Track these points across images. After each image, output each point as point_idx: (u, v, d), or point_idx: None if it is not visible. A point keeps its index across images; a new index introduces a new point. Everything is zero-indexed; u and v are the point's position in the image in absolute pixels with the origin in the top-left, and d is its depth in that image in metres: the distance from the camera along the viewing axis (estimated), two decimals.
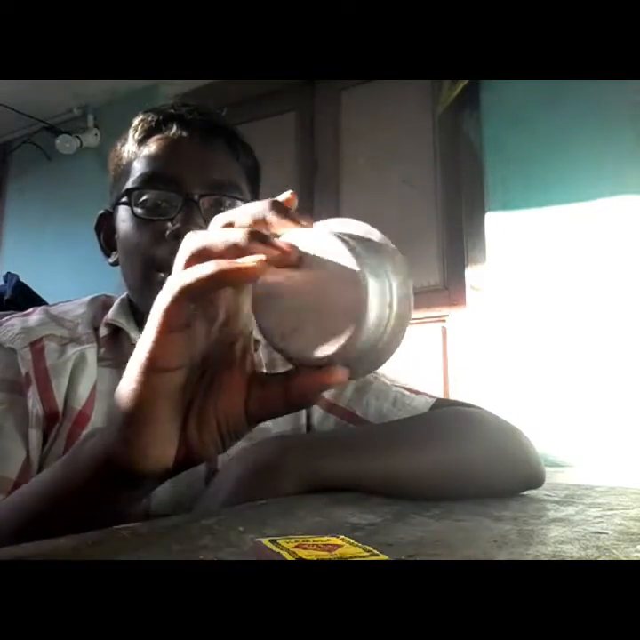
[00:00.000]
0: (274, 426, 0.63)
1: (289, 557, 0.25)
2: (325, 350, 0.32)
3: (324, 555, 0.26)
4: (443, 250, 2.18)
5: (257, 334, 0.39)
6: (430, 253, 2.19)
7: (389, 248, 0.35)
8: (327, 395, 0.66)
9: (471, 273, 2.06)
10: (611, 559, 0.31)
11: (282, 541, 0.27)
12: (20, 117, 3.01)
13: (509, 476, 0.57)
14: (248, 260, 0.32)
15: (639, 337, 1.73)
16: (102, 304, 0.70)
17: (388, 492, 0.49)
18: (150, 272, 0.63)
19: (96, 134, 2.95)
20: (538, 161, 1.95)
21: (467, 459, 0.55)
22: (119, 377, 0.64)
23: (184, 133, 0.66)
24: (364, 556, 0.26)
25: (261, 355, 0.67)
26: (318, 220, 0.36)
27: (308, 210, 2.38)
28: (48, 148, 3.06)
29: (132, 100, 2.71)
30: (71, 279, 2.64)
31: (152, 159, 0.65)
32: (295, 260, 0.33)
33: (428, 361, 2.07)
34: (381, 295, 0.33)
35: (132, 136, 0.68)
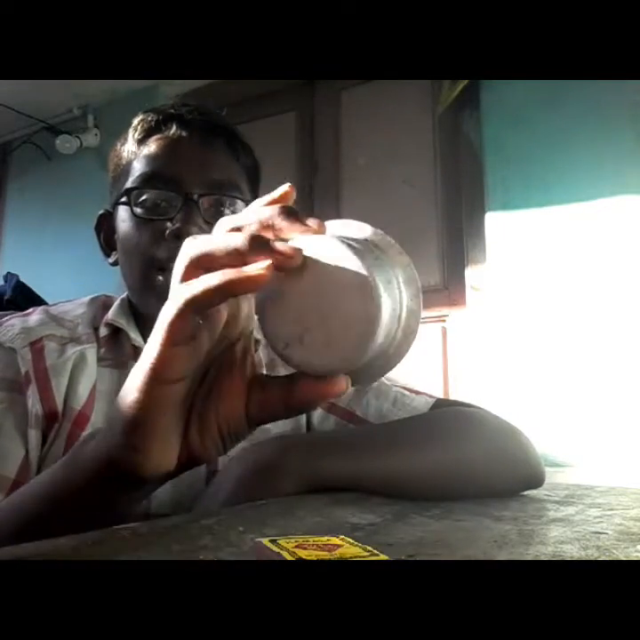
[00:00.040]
0: (274, 426, 0.63)
1: (289, 557, 0.25)
2: (332, 362, 0.32)
3: (323, 555, 0.26)
4: (443, 250, 2.18)
5: (257, 334, 0.38)
6: (430, 253, 2.19)
7: (402, 258, 0.34)
8: None
9: (471, 273, 2.06)
10: (611, 559, 0.31)
11: (282, 541, 0.27)
12: (20, 117, 3.01)
13: (509, 475, 0.57)
14: (255, 269, 0.31)
15: (639, 337, 1.73)
16: (102, 304, 0.70)
17: (387, 491, 0.49)
18: (150, 272, 0.63)
19: (96, 134, 2.95)
20: (538, 161, 1.95)
21: (467, 459, 0.55)
22: (119, 377, 0.65)
23: (184, 133, 0.66)
24: (363, 556, 0.26)
25: (261, 354, 0.67)
26: (319, 219, 0.35)
27: (307, 210, 2.39)
28: (48, 148, 3.06)
29: (132, 100, 2.71)
30: (71, 279, 2.64)
31: (152, 159, 0.65)
32: (298, 264, 0.32)
33: (428, 361, 2.07)
34: (392, 309, 0.32)
35: (132, 136, 0.68)
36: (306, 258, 0.32)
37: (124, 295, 0.70)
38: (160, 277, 0.62)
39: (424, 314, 0.35)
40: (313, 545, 0.27)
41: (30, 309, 0.68)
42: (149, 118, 0.67)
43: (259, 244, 0.31)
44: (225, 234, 0.33)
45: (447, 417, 0.62)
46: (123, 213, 0.66)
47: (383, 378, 0.68)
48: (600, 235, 1.83)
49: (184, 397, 0.35)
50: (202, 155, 0.66)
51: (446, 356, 2.09)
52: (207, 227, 0.63)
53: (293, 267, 0.32)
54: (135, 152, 0.67)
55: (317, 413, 0.68)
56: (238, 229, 0.33)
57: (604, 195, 1.83)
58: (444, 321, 2.12)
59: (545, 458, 0.64)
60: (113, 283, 0.79)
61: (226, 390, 0.36)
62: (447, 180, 2.21)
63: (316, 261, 0.32)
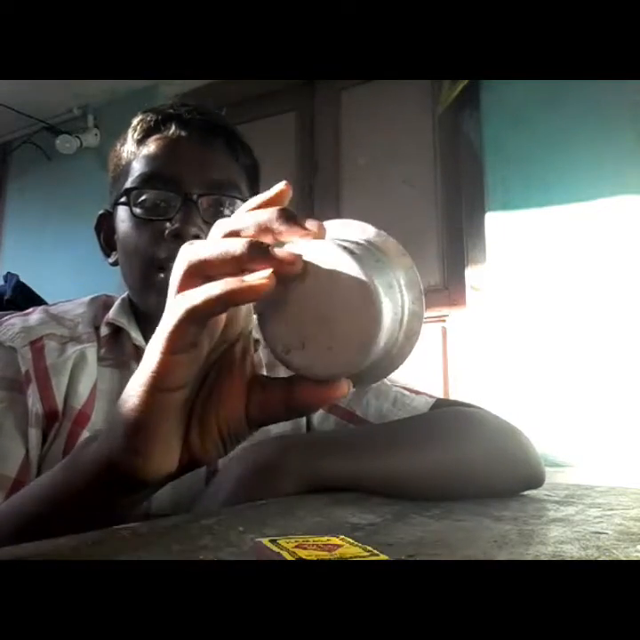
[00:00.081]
0: (274, 426, 0.63)
1: (289, 557, 0.25)
2: (333, 367, 0.32)
3: (324, 555, 0.26)
4: (443, 250, 2.18)
5: (256, 334, 0.38)
6: (430, 253, 2.19)
7: (404, 260, 0.34)
8: None
9: (471, 273, 2.06)
10: (611, 559, 0.31)
11: (282, 541, 0.27)
12: (20, 117, 3.01)
13: (509, 475, 0.57)
14: (257, 278, 0.30)
15: (639, 337, 1.73)
16: (103, 304, 0.70)
17: (387, 491, 0.49)
18: (150, 272, 0.63)
19: (96, 134, 2.95)
20: (538, 161, 1.95)
21: (467, 459, 0.55)
22: (120, 376, 0.65)
23: (183, 133, 0.66)
24: (363, 556, 0.26)
25: (261, 355, 0.67)
26: (319, 221, 0.35)
27: (307, 210, 2.39)
28: (48, 147, 3.06)
29: (132, 100, 2.71)
30: (71, 279, 2.64)
31: (151, 159, 0.65)
32: (299, 271, 0.31)
33: (428, 361, 2.07)
34: (394, 312, 0.32)
35: (132, 136, 0.68)
36: (306, 263, 0.31)
37: (125, 295, 0.70)
38: (161, 275, 0.62)
39: (425, 314, 0.35)
40: (313, 545, 0.27)
41: (30, 309, 0.68)
42: (148, 118, 0.67)
43: (258, 251, 0.31)
44: (223, 239, 0.32)
45: (447, 417, 0.62)
46: (122, 213, 0.66)
47: None
48: (600, 235, 1.83)
49: (184, 402, 0.35)
50: (201, 155, 0.66)
51: (446, 356, 2.09)
52: (206, 227, 0.62)
53: (294, 274, 0.31)
54: (134, 152, 0.67)
55: (317, 414, 0.68)
56: (236, 233, 0.33)
57: (604, 195, 1.83)
58: (444, 321, 2.12)
59: (545, 458, 0.64)
60: (113, 283, 0.79)
61: (226, 392, 0.36)
62: (447, 180, 2.21)
63: (316, 267, 0.31)
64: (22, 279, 1.25)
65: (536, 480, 0.60)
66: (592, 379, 1.77)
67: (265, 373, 0.66)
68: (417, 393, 0.67)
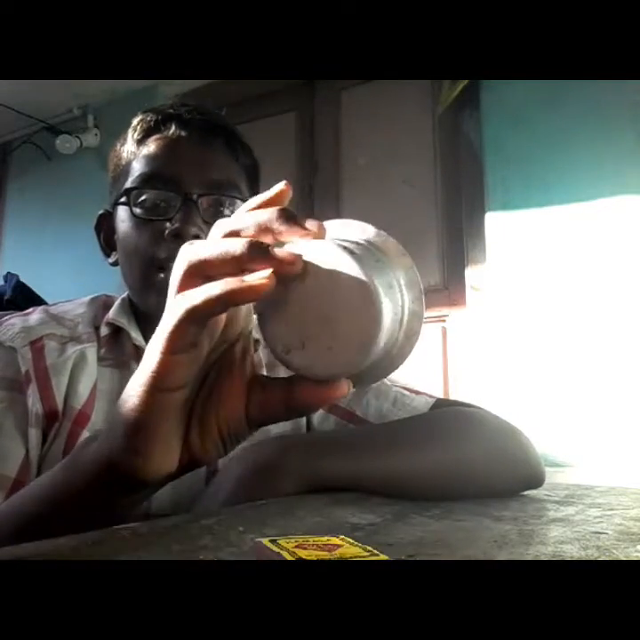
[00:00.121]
0: (274, 426, 0.63)
1: (289, 557, 0.25)
2: (333, 367, 0.32)
3: (324, 555, 0.26)
4: (443, 250, 2.18)
5: (256, 334, 0.38)
6: (430, 253, 2.19)
7: (404, 260, 0.34)
8: None
9: (471, 273, 2.06)
10: (611, 559, 0.31)
11: (282, 541, 0.27)
12: (20, 117, 3.01)
13: (509, 475, 0.57)
14: (257, 278, 0.30)
15: (639, 337, 1.73)
16: (103, 304, 0.70)
17: (387, 491, 0.49)
18: (150, 272, 0.63)
19: (96, 134, 2.95)
20: (538, 161, 1.95)
21: (467, 459, 0.55)
22: (120, 376, 0.65)
23: (183, 133, 0.66)
24: (364, 556, 0.26)
25: (261, 355, 0.67)
26: (319, 221, 0.35)
27: (307, 210, 2.39)
28: (48, 147, 3.06)
29: (132, 100, 2.71)
30: (71, 279, 2.64)
31: (151, 159, 0.65)
32: (299, 271, 0.31)
33: (428, 361, 2.07)
34: (394, 313, 0.32)
35: (131, 136, 0.68)
36: (306, 263, 0.31)
37: (125, 295, 0.70)
38: (161, 275, 0.62)
39: (425, 314, 0.35)
40: (313, 545, 0.27)
41: (30, 309, 0.68)
42: (148, 118, 0.67)
43: (258, 251, 0.31)
44: (223, 239, 0.32)
45: (447, 417, 0.62)
46: (122, 213, 0.66)
47: None
48: (600, 235, 1.83)
49: (184, 402, 0.35)
50: (201, 155, 0.66)
51: (446, 356, 2.09)
52: (206, 227, 0.62)
53: (294, 274, 0.31)
54: (134, 152, 0.67)
55: (317, 414, 0.68)
56: (236, 233, 0.32)
57: (604, 195, 1.83)
58: (444, 321, 2.12)
59: (545, 458, 0.64)
60: (113, 283, 0.79)
61: (226, 392, 0.36)
62: (447, 180, 2.21)
63: (316, 267, 0.31)
64: (22, 279, 1.25)
65: (536, 480, 0.60)
66: (592, 379, 1.77)
67: (265, 373, 0.66)
68: (417, 393, 0.67)
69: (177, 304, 0.32)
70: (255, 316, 0.36)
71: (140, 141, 0.67)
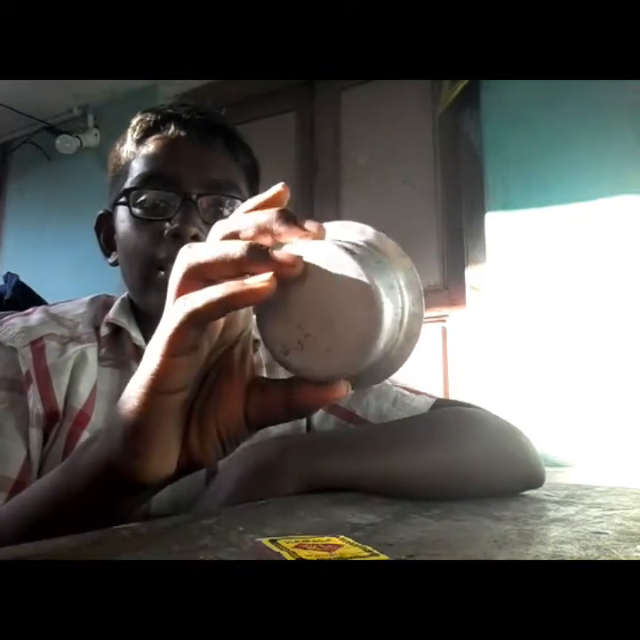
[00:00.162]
0: (274, 426, 0.63)
1: (289, 557, 0.25)
2: (332, 368, 0.32)
3: (324, 555, 0.26)
4: (443, 250, 2.18)
5: (256, 334, 0.38)
6: (430, 253, 2.19)
7: (404, 261, 0.34)
8: None
9: (471, 273, 2.06)
10: (611, 559, 0.31)
11: (282, 541, 0.27)
12: (20, 117, 3.01)
13: (509, 475, 0.57)
14: (258, 281, 0.30)
15: (639, 337, 1.73)
16: (103, 304, 0.70)
17: (388, 491, 0.49)
18: (150, 272, 0.63)
19: (96, 134, 2.95)
20: (538, 161, 1.95)
21: (467, 459, 0.55)
22: (120, 377, 0.65)
23: (182, 133, 0.66)
24: (364, 556, 0.26)
25: (261, 355, 0.67)
26: (319, 222, 0.35)
27: (307, 210, 2.39)
28: (48, 147, 3.06)
29: (132, 100, 2.71)
30: (71, 279, 2.64)
31: (150, 159, 0.65)
32: (299, 273, 0.31)
33: (428, 361, 2.07)
34: (394, 313, 0.32)
35: (131, 136, 0.68)
36: (306, 264, 0.31)
37: (125, 295, 0.70)
38: (161, 273, 0.62)
39: (424, 314, 0.35)
40: (313, 545, 0.27)
41: (30, 309, 0.68)
42: (148, 118, 0.67)
43: (258, 254, 0.30)
44: (222, 242, 0.32)
45: (447, 417, 0.62)
46: (122, 214, 0.66)
47: None
48: (600, 235, 1.83)
49: (184, 404, 0.35)
50: (200, 155, 0.66)
51: (446, 356, 2.09)
52: (206, 227, 0.62)
53: (294, 275, 0.31)
54: (134, 152, 0.67)
55: (317, 414, 0.68)
56: (235, 234, 0.32)
57: (604, 195, 1.83)
58: (444, 321, 2.12)
59: (545, 458, 0.64)
60: (113, 283, 0.79)
61: (225, 393, 0.35)
62: (447, 180, 2.21)
63: (316, 268, 0.31)
64: (22, 279, 1.25)
65: (536, 480, 0.60)
66: (592, 379, 1.77)
67: (265, 374, 0.66)
68: (417, 393, 0.67)
69: (177, 307, 0.32)
70: (254, 317, 0.36)
71: (140, 141, 0.67)
